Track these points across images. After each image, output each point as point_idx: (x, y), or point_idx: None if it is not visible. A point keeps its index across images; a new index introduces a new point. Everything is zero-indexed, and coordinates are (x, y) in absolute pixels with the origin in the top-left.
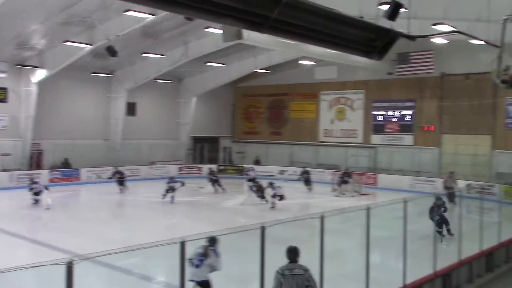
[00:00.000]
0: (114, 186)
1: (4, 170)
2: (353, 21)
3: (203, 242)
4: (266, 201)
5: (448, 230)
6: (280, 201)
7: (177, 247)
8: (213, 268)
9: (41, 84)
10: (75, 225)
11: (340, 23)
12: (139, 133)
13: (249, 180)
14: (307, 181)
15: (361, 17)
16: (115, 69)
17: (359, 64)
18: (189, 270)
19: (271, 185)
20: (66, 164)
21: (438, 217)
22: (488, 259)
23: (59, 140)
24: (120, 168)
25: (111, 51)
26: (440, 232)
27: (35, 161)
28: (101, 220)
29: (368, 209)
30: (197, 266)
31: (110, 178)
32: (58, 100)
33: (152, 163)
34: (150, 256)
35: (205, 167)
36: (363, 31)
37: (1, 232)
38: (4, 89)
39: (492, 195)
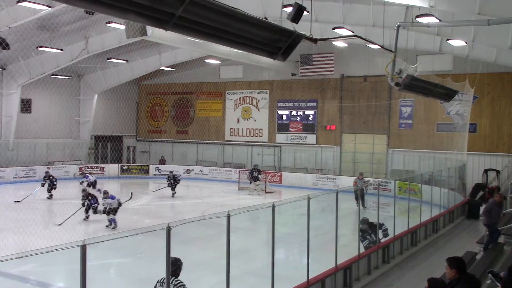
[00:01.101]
0: (9, 188)
1: None
2: (257, 21)
3: (107, 246)
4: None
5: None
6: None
7: (78, 251)
8: None
9: None
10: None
11: (245, 23)
12: (35, 132)
13: (89, 185)
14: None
15: (265, 18)
16: (7, 63)
17: (264, 64)
18: None
19: (106, 195)
20: None
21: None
22: (385, 251)
23: None
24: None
25: (2, 44)
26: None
27: None
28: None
29: (273, 207)
30: None
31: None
32: None
33: (50, 163)
34: (47, 261)
35: (108, 167)
36: (267, 32)
37: None
38: None
39: (388, 191)
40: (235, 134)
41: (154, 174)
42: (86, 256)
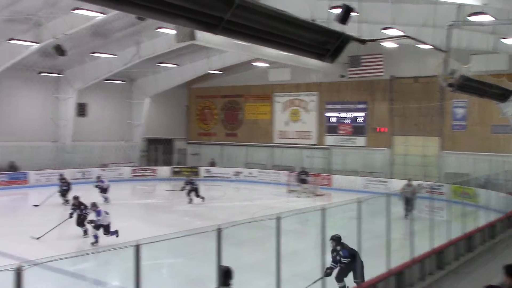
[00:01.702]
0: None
1: None
2: (305, 23)
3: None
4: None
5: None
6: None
7: (131, 251)
8: None
9: None
10: (24, 230)
11: (293, 25)
12: (90, 135)
13: (102, 190)
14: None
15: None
16: (64, 68)
17: (312, 66)
18: None
19: (94, 208)
20: (12, 167)
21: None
22: (439, 257)
23: (5, 142)
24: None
25: (59, 50)
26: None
27: None
28: (52, 224)
29: (323, 210)
30: None
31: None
32: (3, 101)
33: (104, 165)
34: (103, 260)
35: (160, 169)
36: (315, 34)
37: None
38: None
39: (441, 194)
40: (284, 137)
41: (204, 176)
42: (139, 256)
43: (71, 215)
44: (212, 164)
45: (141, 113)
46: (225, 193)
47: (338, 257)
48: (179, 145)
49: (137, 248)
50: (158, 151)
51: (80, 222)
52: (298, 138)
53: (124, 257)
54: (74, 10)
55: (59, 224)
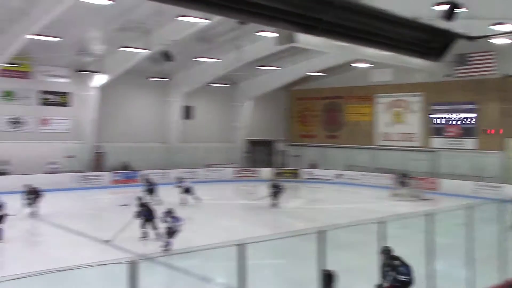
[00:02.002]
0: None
1: (69, 171)
2: (407, 22)
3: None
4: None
5: None
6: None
7: (235, 250)
8: None
9: (102, 88)
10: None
11: (394, 24)
12: (196, 136)
13: (185, 190)
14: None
15: (416, 18)
16: (172, 73)
17: (416, 66)
18: None
19: (168, 215)
20: (126, 167)
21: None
22: None
23: (120, 143)
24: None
25: (167, 56)
26: None
27: (97, 163)
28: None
29: (429, 215)
30: None
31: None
32: (118, 104)
33: (209, 165)
34: (209, 257)
35: (261, 170)
36: (419, 32)
37: (66, 230)
38: (68, 93)
39: None
40: (386, 139)
41: (305, 178)
42: (244, 255)
43: (138, 215)
44: (313, 166)
45: (244, 116)
46: (327, 195)
47: (393, 273)
48: (280, 147)
49: (241, 247)
50: (259, 152)
51: (144, 224)
52: (401, 140)
53: (228, 255)
54: (180, 17)
55: (127, 225)
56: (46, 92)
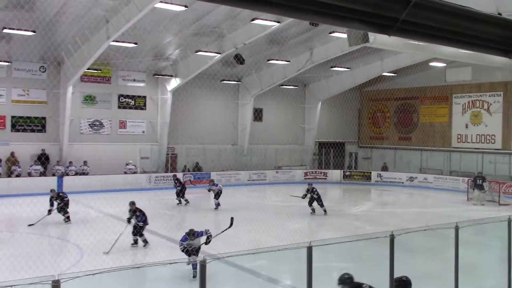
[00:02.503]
0: (243, 190)
1: (143, 172)
2: (489, 18)
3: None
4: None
5: None
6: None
7: (304, 252)
8: None
9: (175, 92)
10: (206, 226)
11: (474, 21)
12: (265, 138)
13: (216, 194)
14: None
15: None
16: (243, 76)
17: (497, 64)
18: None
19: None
20: (197, 168)
21: None
22: None
23: (192, 144)
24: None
25: (238, 59)
26: None
27: (171, 164)
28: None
29: (509, 221)
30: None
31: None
32: (190, 107)
33: (278, 167)
34: (276, 259)
35: (331, 173)
36: (502, 29)
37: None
38: (144, 97)
39: None
40: (463, 141)
41: (376, 181)
42: (312, 257)
43: (129, 221)
44: (384, 169)
45: (314, 117)
46: (398, 198)
47: None
48: (350, 149)
49: (310, 249)
50: (329, 154)
51: (136, 232)
52: (479, 142)
53: (296, 257)
54: (253, 20)
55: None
56: (124, 96)
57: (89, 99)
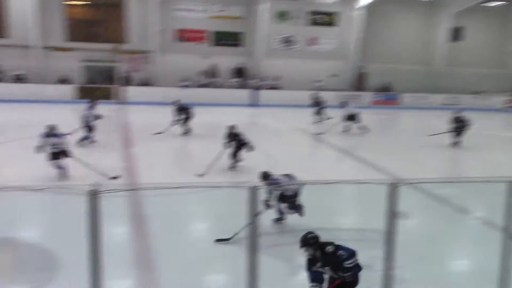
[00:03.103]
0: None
1: (332, 90)
2: None
3: None
4: None
5: None
6: None
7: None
8: None
9: (368, 8)
10: (392, 149)
11: None
12: (464, 61)
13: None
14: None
15: None
16: None
17: None
18: None
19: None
20: (387, 88)
21: None
22: None
23: (383, 64)
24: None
25: None
26: None
27: (360, 83)
28: (428, 146)
29: None
30: None
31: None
32: (383, 24)
33: (476, 93)
34: (470, 190)
35: None
36: None
37: (329, 146)
38: (335, 13)
39: None
40: None
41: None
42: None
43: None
44: None
45: None
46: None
47: (331, 266)
48: None
49: (510, 184)
50: None
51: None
52: None
53: (492, 190)
54: None
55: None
56: (315, 12)
57: (281, 16)
